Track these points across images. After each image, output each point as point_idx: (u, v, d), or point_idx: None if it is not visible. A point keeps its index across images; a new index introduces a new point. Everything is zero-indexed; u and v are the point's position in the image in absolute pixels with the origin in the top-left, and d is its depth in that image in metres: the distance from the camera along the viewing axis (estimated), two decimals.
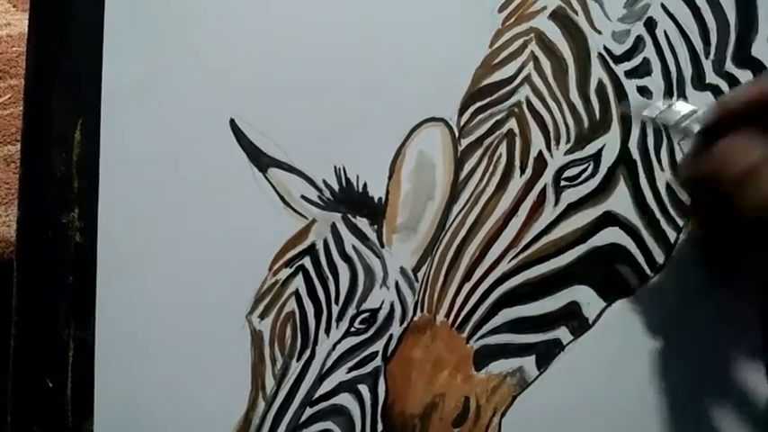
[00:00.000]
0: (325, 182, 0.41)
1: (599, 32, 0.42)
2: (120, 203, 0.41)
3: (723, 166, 0.33)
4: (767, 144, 0.32)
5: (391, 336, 0.41)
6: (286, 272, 0.41)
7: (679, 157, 0.42)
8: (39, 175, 0.42)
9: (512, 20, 0.42)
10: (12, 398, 0.41)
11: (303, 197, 0.41)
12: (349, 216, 0.41)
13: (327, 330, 0.40)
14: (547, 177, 0.41)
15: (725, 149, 0.33)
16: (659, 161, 0.42)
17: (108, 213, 0.41)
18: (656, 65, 0.42)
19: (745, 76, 0.42)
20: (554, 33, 0.42)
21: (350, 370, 0.40)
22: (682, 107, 0.38)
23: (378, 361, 0.40)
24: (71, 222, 0.42)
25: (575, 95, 0.42)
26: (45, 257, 0.42)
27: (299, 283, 0.41)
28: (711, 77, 0.42)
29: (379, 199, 0.41)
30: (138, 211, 0.41)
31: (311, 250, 0.41)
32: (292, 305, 0.41)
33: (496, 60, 0.42)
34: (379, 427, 0.40)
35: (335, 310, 0.41)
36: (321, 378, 0.40)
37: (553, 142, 0.41)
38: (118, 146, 0.42)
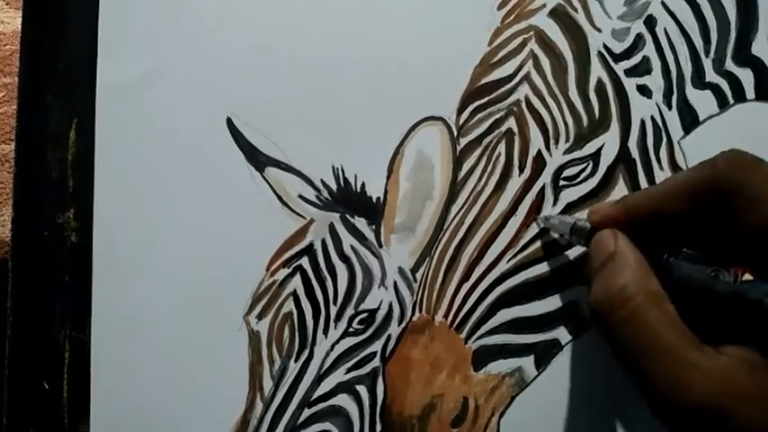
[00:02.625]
0: (323, 181, 0.41)
1: (599, 30, 0.42)
2: (115, 203, 0.41)
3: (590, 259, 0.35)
4: (627, 240, 0.34)
5: (390, 336, 0.40)
6: (284, 272, 0.41)
7: (679, 156, 0.42)
8: (33, 175, 0.42)
9: (511, 18, 0.42)
10: (7, 400, 0.40)
11: (301, 197, 0.41)
12: (347, 216, 0.41)
13: (326, 331, 0.40)
14: (546, 177, 0.41)
15: (593, 244, 0.35)
16: (659, 160, 0.42)
17: (104, 213, 0.41)
18: (656, 63, 0.42)
19: (744, 74, 0.42)
20: (553, 31, 0.42)
21: (348, 371, 0.40)
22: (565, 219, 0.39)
23: (376, 361, 0.40)
24: (66, 222, 0.41)
25: (574, 94, 0.41)
26: (40, 258, 0.41)
27: (296, 283, 0.40)
28: (711, 76, 0.42)
29: (378, 199, 0.41)
30: (134, 212, 0.41)
31: (309, 250, 0.41)
32: (290, 306, 0.40)
33: (495, 59, 0.42)
34: (378, 427, 0.40)
35: (334, 310, 0.40)
36: (319, 379, 0.40)
37: (552, 141, 0.41)
38: (113, 145, 0.41)
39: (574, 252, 0.41)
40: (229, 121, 0.41)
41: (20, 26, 0.44)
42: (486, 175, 0.41)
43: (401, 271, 0.41)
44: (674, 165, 0.41)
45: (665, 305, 0.30)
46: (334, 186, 0.41)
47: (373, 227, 0.41)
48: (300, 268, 0.41)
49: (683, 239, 0.33)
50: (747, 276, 0.31)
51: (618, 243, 0.34)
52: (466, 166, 0.41)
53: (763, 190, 0.30)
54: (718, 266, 0.31)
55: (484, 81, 0.42)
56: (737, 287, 0.30)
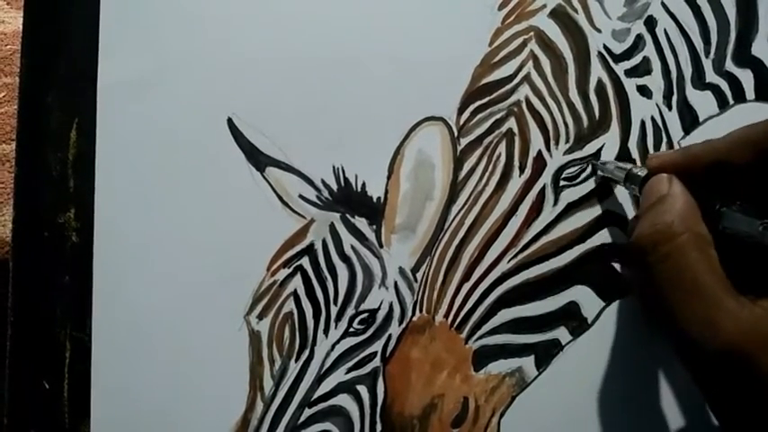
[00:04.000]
0: (323, 181, 0.41)
1: (599, 31, 0.42)
2: (116, 203, 0.41)
3: (643, 201, 0.35)
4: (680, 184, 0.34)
5: (390, 336, 0.40)
6: (284, 272, 0.41)
7: None
8: (34, 175, 0.42)
9: (511, 18, 0.42)
10: (8, 399, 0.40)
11: (301, 197, 0.41)
12: (348, 216, 0.41)
13: (326, 331, 0.40)
14: (546, 177, 0.41)
15: (647, 187, 0.35)
16: None
17: (104, 213, 0.41)
18: (656, 64, 0.42)
19: (744, 75, 0.42)
20: (554, 32, 0.42)
21: (349, 371, 0.40)
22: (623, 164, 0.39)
23: (377, 361, 0.40)
24: (67, 222, 0.41)
25: (574, 94, 0.41)
26: (41, 258, 0.41)
27: (297, 283, 0.41)
28: (711, 77, 0.42)
29: (378, 199, 0.41)
30: (135, 211, 0.41)
31: (310, 250, 0.41)
32: (291, 305, 0.40)
33: (496, 59, 0.42)
34: (378, 427, 0.40)
35: (334, 310, 0.40)
36: (320, 379, 0.40)
37: (552, 142, 0.41)
38: (114, 145, 0.42)
39: (575, 252, 0.41)
40: (230, 121, 0.41)
41: (20, 26, 0.44)
42: (486, 175, 0.41)
43: (402, 271, 0.41)
44: None
45: (708, 248, 0.30)
46: (334, 186, 0.41)
47: (374, 227, 0.41)
48: (301, 268, 0.41)
49: (739, 193, 0.33)
50: None
51: (672, 186, 0.33)
52: (466, 167, 0.41)
53: None
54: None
55: (484, 81, 0.42)
56: None
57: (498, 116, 0.41)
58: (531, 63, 0.42)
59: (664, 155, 0.36)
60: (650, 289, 0.31)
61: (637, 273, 0.32)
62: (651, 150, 0.41)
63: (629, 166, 0.38)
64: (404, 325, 0.40)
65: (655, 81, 0.42)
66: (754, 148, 0.32)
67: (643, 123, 0.42)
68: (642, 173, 0.36)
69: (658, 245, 0.31)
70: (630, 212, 0.41)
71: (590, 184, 0.41)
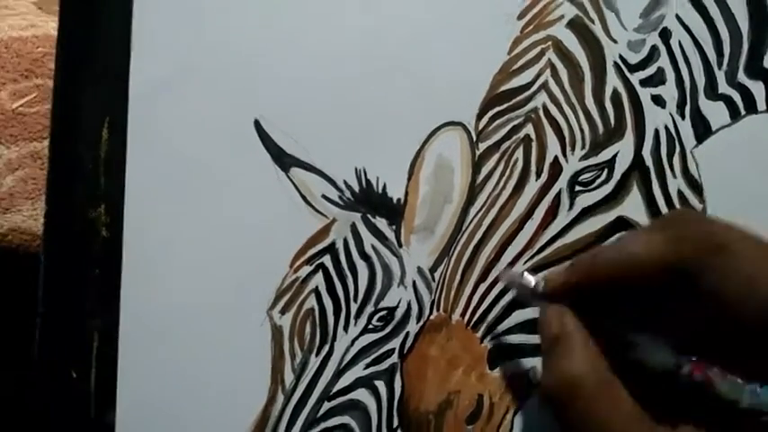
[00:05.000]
0: (345, 182, 0.43)
1: (615, 42, 0.43)
2: (145, 200, 0.42)
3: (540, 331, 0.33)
4: (573, 318, 0.32)
5: (408, 333, 0.42)
6: (306, 269, 0.42)
7: (692, 165, 0.43)
8: (66, 172, 0.43)
9: (530, 28, 0.43)
10: (36, 388, 0.42)
11: (324, 197, 0.42)
12: (368, 216, 0.42)
13: (346, 327, 0.41)
14: (562, 182, 0.42)
15: (541, 321, 0.34)
16: (671, 168, 0.43)
17: (134, 209, 0.42)
18: (670, 74, 0.43)
19: (756, 86, 0.44)
20: (571, 42, 0.43)
21: (367, 366, 0.41)
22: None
23: (394, 358, 0.41)
24: (98, 218, 0.43)
25: (590, 103, 0.43)
26: (71, 251, 0.43)
27: (318, 280, 0.42)
28: (724, 88, 0.43)
29: (398, 200, 0.42)
30: (163, 208, 0.42)
31: (331, 249, 0.42)
32: (312, 302, 0.42)
33: (514, 67, 0.43)
34: (395, 422, 0.41)
35: (354, 307, 0.42)
36: (339, 373, 0.41)
37: (569, 148, 0.42)
38: (144, 143, 0.43)
39: None
40: (257, 123, 0.43)
41: (51, 29, 0.45)
42: (503, 179, 0.42)
43: (420, 270, 0.42)
44: (686, 173, 0.43)
45: (615, 392, 0.29)
46: (356, 187, 0.42)
47: (394, 227, 0.42)
48: (323, 266, 0.42)
49: (645, 314, 0.31)
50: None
51: (564, 325, 0.32)
52: (484, 171, 0.43)
53: (727, 281, 0.27)
54: (679, 350, 0.29)
55: (503, 88, 0.43)
56: (704, 385, 0.28)
57: (516, 122, 0.43)
58: (548, 71, 0.43)
59: (556, 276, 0.34)
60: None
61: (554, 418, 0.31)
62: (665, 158, 0.43)
63: (532, 282, 0.36)
64: (421, 323, 0.42)
65: (669, 91, 0.43)
66: (648, 273, 0.30)
67: (657, 132, 0.43)
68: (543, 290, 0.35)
69: (564, 401, 0.29)
70: (644, 219, 0.42)
71: (605, 190, 0.42)
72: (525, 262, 0.42)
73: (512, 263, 0.42)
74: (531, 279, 0.36)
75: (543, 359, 0.32)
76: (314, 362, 0.41)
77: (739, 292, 0.27)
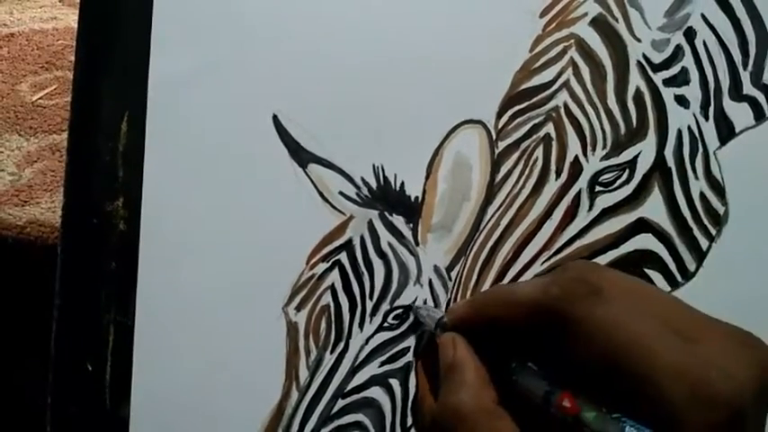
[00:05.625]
0: (363, 179, 0.42)
1: (638, 41, 0.43)
2: (163, 194, 0.42)
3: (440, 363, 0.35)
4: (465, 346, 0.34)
5: (423, 332, 0.41)
6: (323, 266, 0.42)
7: (714, 167, 0.42)
8: (85, 164, 0.44)
9: (552, 25, 0.43)
10: (52, 380, 0.42)
11: (341, 193, 0.42)
12: (386, 214, 0.42)
13: (361, 325, 0.41)
14: (582, 182, 0.42)
15: (439, 348, 0.35)
16: (694, 170, 0.42)
17: (151, 203, 0.42)
18: (694, 74, 0.43)
19: None
20: (594, 40, 0.43)
21: (382, 364, 0.41)
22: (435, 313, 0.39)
23: (409, 356, 0.41)
24: (115, 211, 0.43)
25: (612, 102, 0.42)
26: (89, 244, 0.43)
27: (334, 277, 0.42)
28: (749, 89, 0.43)
29: (416, 198, 0.42)
30: (181, 202, 0.42)
31: (348, 246, 0.42)
32: (328, 299, 0.41)
33: (536, 65, 0.43)
34: (409, 421, 0.41)
35: (369, 305, 0.41)
36: (354, 371, 0.41)
37: (589, 148, 0.42)
38: (163, 137, 0.43)
39: (608, 257, 0.42)
40: (275, 118, 0.43)
41: (72, 22, 0.46)
42: (523, 178, 0.42)
43: (436, 269, 0.42)
44: (709, 175, 0.42)
45: (499, 423, 0.30)
46: (374, 184, 0.42)
47: (411, 225, 0.42)
48: (339, 263, 0.42)
49: (530, 350, 0.32)
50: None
51: (456, 353, 0.33)
52: (503, 169, 0.42)
53: (591, 331, 0.28)
54: (554, 383, 0.30)
55: (524, 86, 0.43)
56: (573, 416, 0.29)
57: (536, 121, 0.42)
58: (570, 70, 0.42)
59: (458, 307, 0.36)
60: None
61: None
62: (687, 160, 0.42)
63: (440, 314, 0.38)
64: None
65: (692, 91, 0.43)
66: (523, 314, 0.31)
67: (680, 132, 0.42)
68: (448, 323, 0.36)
69: (447, 426, 0.31)
70: (665, 221, 0.42)
71: (625, 191, 0.42)
72: (543, 263, 0.42)
73: (529, 263, 0.41)
74: (439, 312, 0.39)
75: (440, 383, 0.34)
76: (329, 359, 0.41)
77: (603, 334, 0.28)
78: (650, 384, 0.26)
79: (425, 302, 0.41)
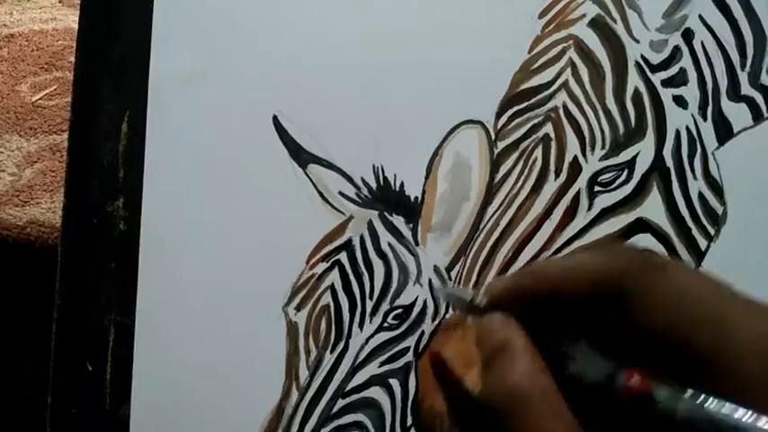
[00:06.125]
0: (363, 179, 0.42)
1: (637, 41, 0.43)
2: (163, 194, 0.43)
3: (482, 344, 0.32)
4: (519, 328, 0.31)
5: (423, 332, 0.41)
6: (322, 266, 0.42)
7: (713, 167, 0.42)
8: (85, 165, 0.44)
9: (551, 26, 0.43)
10: (52, 380, 0.42)
11: (341, 194, 0.42)
12: (385, 214, 0.42)
13: (361, 324, 0.41)
14: (581, 182, 0.42)
15: (482, 328, 0.32)
16: (692, 169, 0.42)
17: (152, 203, 0.42)
18: (692, 75, 0.43)
19: None
20: (592, 41, 0.43)
21: (382, 364, 0.41)
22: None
23: (409, 356, 0.41)
24: (116, 211, 0.43)
25: (611, 102, 0.42)
26: (89, 244, 0.43)
27: (334, 277, 0.42)
28: (746, 89, 0.43)
29: (416, 198, 0.42)
30: (181, 202, 0.42)
31: (348, 246, 0.42)
32: (328, 299, 0.42)
33: (535, 66, 0.43)
34: (409, 420, 0.41)
35: (369, 305, 0.41)
36: (353, 371, 0.41)
37: (588, 148, 0.42)
38: (163, 138, 0.43)
39: None
40: (275, 119, 0.43)
41: (71, 23, 0.46)
42: (522, 178, 0.42)
43: (436, 269, 0.42)
44: (707, 175, 0.42)
45: (558, 405, 0.28)
46: (373, 185, 0.42)
47: (410, 225, 0.42)
48: (339, 263, 0.42)
49: (584, 328, 0.31)
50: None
51: (509, 333, 0.31)
52: (503, 169, 0.42)
53: (664, 298, 0.28)
54: (615, 362, 0.28)
55: (523, 87, 0.43)
56: (641, 396, 0.27)
57: (536, 121, 0.42)
58: (569, 70, 0.43)
59: (499, 286, 0.33)
60: None
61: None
62: (686, 159, 0.42)
63: (470, 294, 0.34)
64: (437, 322, 0.41)
65: (691, 92, 0.43)
66: (587, 287, 0.30)
67: (678, 133, 0.42)
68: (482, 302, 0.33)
69: (507, 410, 0.29)
70: (664, 221, 0.42)
71: (624, 191, 0.42)
72: None
73: (529, 263, 0.42)
74: (469, 292, 0.35)
75: (483, 368, 0.31)
76: (329, 359, 0.41)
77: (674, 306, 0.27)
78: (726, 357, 0.26)
79: (446, 285, 0.41)
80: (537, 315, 0.31)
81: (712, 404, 0.25)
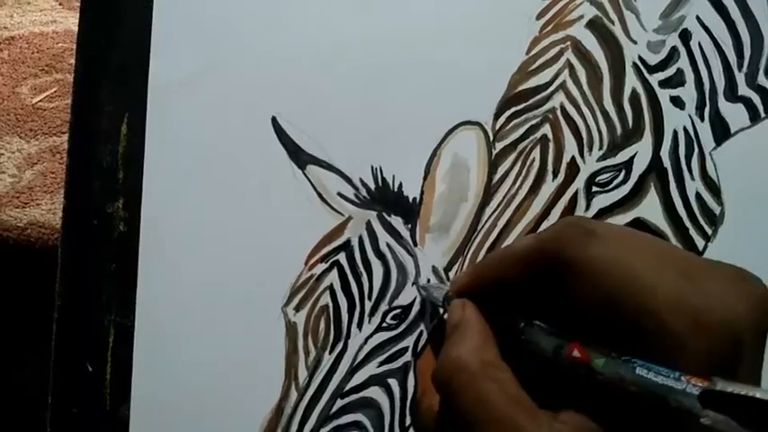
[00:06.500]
0: (361, 180, 0.43)
1: (634, 42, 0.43)
2: (163, 195, 0.43)
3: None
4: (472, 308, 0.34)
5: (421, 332, 0.42)
6: (321, 267, 0.42)
7: (710, 167, 0.43)
8: (85, 166, 0.44)
9: (549, 27, 0.43)
10: (53, 380, 0.42)
11: (340, 194, 0.43)
12: (384, 215, 0.42)
13: (360, 325, 0.41)
14: (579, 183, 0.42)
15: (448, 314, 0.35)
16: (690, 170, 0.43)
17: (151, 205, 0.43)
18: (689, 76, 0.43)
19: None
20: (590, 42, 0.43)
21: (380, 364, 0.41)
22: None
23: (408, 356, 0.41)
24: (115, 212, 0.43)
25: (608, 103, 0.42)
26: (89, 245, 0.43)
27: (333, 277, 0.42)
28: (744, 90, 0.43)
29: (414, 199, 0.42)
30: (180, 204, 0.43)
31: (346, 246, 0.42)
32: (326, 299, 0.42)
33: (533, 67, 0.43)
34: (407, 420, 0.41)
35: (368, 305, 0.42)
36: (352, 371, 0.41)
37: (586, 148, 0.42)
38: (162, 140, 0.43)
39: None
40: (274, 120, 0.43)
41: (71, 25, 0.46)
42: (520, 179, 0.42)
43: (434, 269, 0.42)
44: (704, 175, 0.42)
45: (499, 373, 0.30)
46: (372, 185, 0.43)
47: (409, 226, 0.42)
48: (337, 263, 0.42)
49: (535, 307, 0.32)
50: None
51: (464, 313, 0.33)
52: (501, 170, 0.43)
53: (589, 270, 0.28)
54: (562, 337, 0.30)
55: (521, 88, 0.43)
56: (584, 366, 0.28)
57: (533, 122, 0.43)
58: (566, 71, 0.43)
59: (459, 277, 0.36)
60: (455, 419, 0.30)
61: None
62: (683, 160, 0.42)
63: (446, 288, 0.38)
64: (435, 322, 0.42)
65: (688, 92, 0.43)
66: (520, 269, 0.32)
67: (675, 133, 0.42)
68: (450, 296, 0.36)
69: (450, 380, 0.30)
70: (662, 221, 0.42)
71: (622, 191, 0.42)
72: None
73: None
74: (444, 287, 0.39)
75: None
76: (327, 359, 0.41)
77: (601, 272, 0.28)
78: (651, 317, 0.26)
79: (429, 281, 0.42)
80: (498, 299, 0.33)
81: (643, 369, 0.26)
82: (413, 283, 0.42)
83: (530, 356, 0.31)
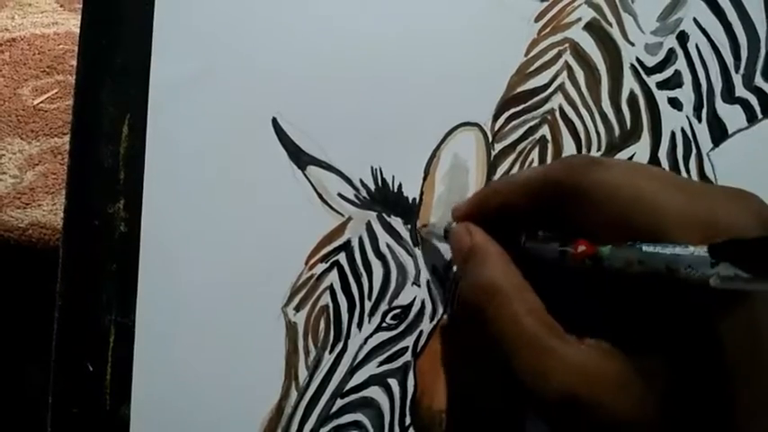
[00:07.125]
0: (361, 181, 0.43)
1: (632, 44, 0.43)
2: (164, 196, 0.43)
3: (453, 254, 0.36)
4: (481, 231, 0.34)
5: (421, 332, 0.42)
6: (321, 267, 0.42)
7: (708, 168, 0.43)
8: (86, 167, 0.44)
9: (547, 30, 0.44)
10: (53, 380, 0.42)
11: (340, 195, 0.43)
12: (384, 215, 0.43)
13: (360, 325, 0.42)
14: None
15: (451, 239, 0.36)
16: (688, 171, 0.43)
17: (152, 205, 0.43)
18: (687, 77, 0.43)
19: None
20: (588, 44, 0.43)
21: (380, 364, 0.41)
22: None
23: (408, 356, 0.41)
24: (116, 213, 0.43)
25: (607, 105, 0.43)
26: (90, 245, 0.43)
27: (333, 278, 0.42)
28: (741, 91, 0.44)
29: (414, 199, 0.43)
30: (181, 203, 0.43)
31: (346, 247, 0.42)
32: (326, 299, 0.42)
33: (531, 69, 0.43)
34: (407, 420, 0.41)
35: (368, 305, 0.42)
36: (352, 370, 0.41)
37: (584, 150, 0.42)
38: (163, 140, 0.43)
39: None
40: (275, 121, 0.43)
41: (72, 27, 0.46)
42: None
43: (435, 269, 0.42)
44: (702, 176, 0.43)
45: (528, 295, 0.31)
46: (372, 186, 0.43)
47: (409, 226, 0.43)
48: (337, 263, 0.42)
49: (539, 224, 0.33)
50: None
51: (474, 238, 0.34)
52: (500, 171, 0.43)
53: (596, 194, 0.29)
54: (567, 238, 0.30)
55: (519, 90, 0.43)
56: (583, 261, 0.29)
57: (532, 123, 0.43)
58: (565, 73, 0.43)
59: (461, 205, 0.37)
60: (489, 343, 0.31)
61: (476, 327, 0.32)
62: (681, 161, 0.43)
63: (444, 225, 0.39)
64: (435, 322, 0.42)
65: (685, 94, 0.43)
66: (528, 197, 0.32)
67: (673, 134, 0.43)
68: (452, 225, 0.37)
69: (481, 302, 0.31)
70: None
71: None
72: None
73: None
74: (444, 223, 0.40)
75: (460, 270, 0.35)
76: (327, 359, 0.41)
77: (609, 195, 0.29)
78: (660, 233, 0.27)
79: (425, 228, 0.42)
80: (499, 223, 0.34)
81: (649, 247, 0.26)
82: (416, 230, 0.42)
83: (535, 264, 0.31)
